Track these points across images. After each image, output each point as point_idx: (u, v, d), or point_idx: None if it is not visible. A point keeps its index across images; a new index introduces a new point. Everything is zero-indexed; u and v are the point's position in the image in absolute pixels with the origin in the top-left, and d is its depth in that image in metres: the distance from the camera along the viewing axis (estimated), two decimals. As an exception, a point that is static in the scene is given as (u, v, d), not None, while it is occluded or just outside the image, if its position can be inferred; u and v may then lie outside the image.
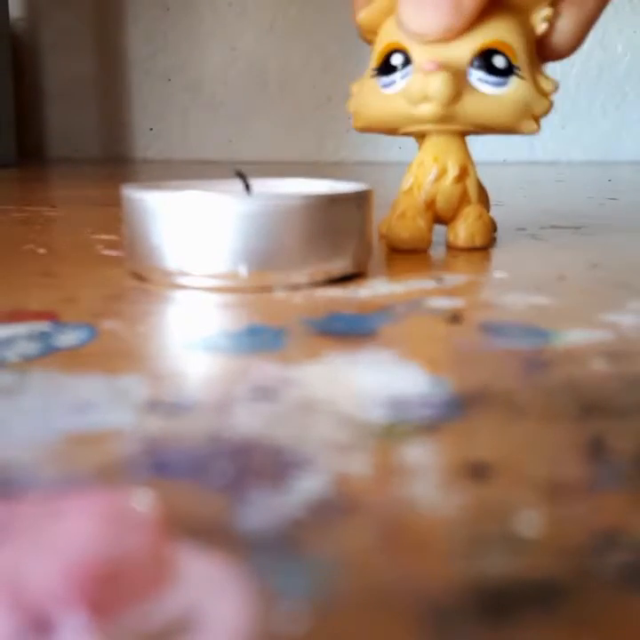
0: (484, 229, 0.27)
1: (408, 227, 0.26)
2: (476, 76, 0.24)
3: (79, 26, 1.23)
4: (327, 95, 1.19)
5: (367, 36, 0.27)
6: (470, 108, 0.25)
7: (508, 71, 0.25)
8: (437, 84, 0.24)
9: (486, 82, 0.25)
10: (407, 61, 0.25)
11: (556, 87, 0.26)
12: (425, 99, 0.24)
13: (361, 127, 0.28)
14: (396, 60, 0.25)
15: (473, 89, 0.25)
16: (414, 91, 0.24)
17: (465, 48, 0.24)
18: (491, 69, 0.24)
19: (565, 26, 0.26)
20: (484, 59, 0.24)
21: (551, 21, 0.25)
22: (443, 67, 0.24)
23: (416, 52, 0.25)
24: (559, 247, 0.29)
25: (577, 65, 1.16)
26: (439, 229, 0.28)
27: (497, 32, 0.24)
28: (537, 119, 0.26)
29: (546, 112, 0.26)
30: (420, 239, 0.26)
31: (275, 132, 1.23)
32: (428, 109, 0.24)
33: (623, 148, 1.20)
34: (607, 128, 1.20)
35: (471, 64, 0.24)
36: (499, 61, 0.24)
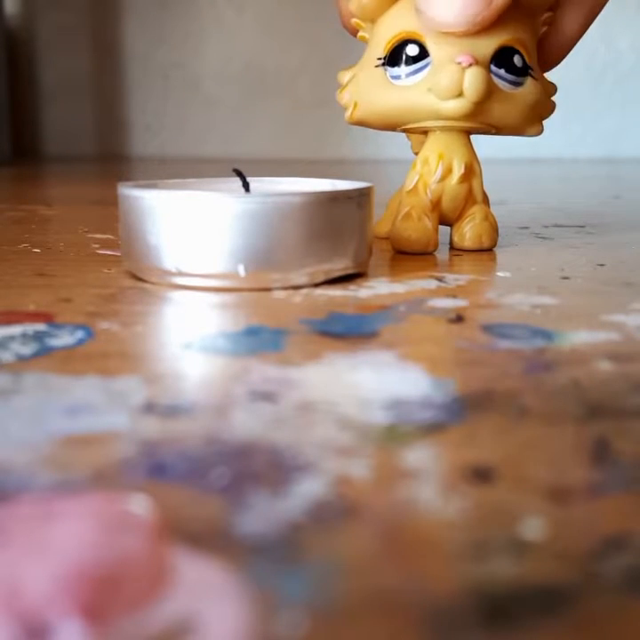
0: (491, 230, 0.27)
1: (415, 227, 0.26)
2: (499, 74, 0.24)
3: (76, 22, 1.23)
4: (326, 92, 1.19)
5: (353, 21, 0.26)
6: (493, 106, 0.24)
7: (524, 71, 0.25)
8: (474, 80, 0.23)
9: (506, 80, 0.24)
10: (423, 52, 0.24)
11: (556, 90, 0.26)
12: (457, 94, 0.23)
13: (358, 119, 0.26)
14: (412, 50, 0.24)
15: (495, 86, 0.24)
16: (446, 85, 0.23)
17: (487, 44, 0.24)
18: (510, 68, 0.24)
19: (556, 37, 0.26)
20: (504, 57, 0.24)
21: (549, 25, 0.26)
22: (479, 61, 0.23)
23: (436, 44, 0.24)
24: (563, 246, 0.29)
25: (581, 62, 1.16)
26: (441, 229, 0.28)
27: (514, 30, 0.24)
28: (542, 121, 0.26)
29: (551, 113, 0.26)
30: (427, 241, 0.26)
31: (273, 130, 1.23)
32: (459, 105, 0.24)
33: (627, 146, 1.20)
34: (611, 125, 1.20)
35: (492, 61, 0.24)
36: (517, 60, 0.24)
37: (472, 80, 0.23)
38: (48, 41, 1.25)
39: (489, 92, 0.24)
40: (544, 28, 0.26)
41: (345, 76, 0.27)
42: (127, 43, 1.25)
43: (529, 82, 0.25)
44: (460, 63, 0.23)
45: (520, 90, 0.25)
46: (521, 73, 0.24)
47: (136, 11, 1.24)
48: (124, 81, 1.26)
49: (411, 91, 0.24)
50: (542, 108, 0.26)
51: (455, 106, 0.24)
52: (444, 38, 0.24)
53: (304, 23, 1.21)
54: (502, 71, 0.24)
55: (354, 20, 0.26)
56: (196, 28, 1.23)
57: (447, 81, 0.23)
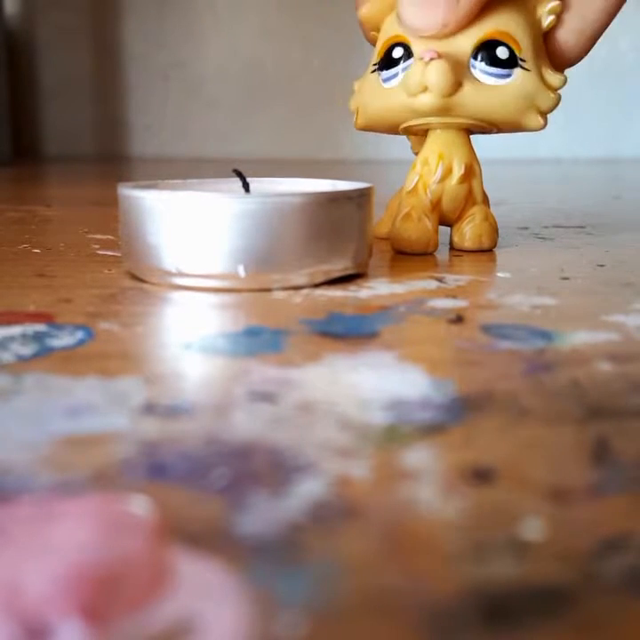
0: (491, 231, 0.27)
1: (414, 228, 0.26)
2: (479, 68, 0.24)
3: (76, 22, 1.23)
4: (327, 93, 1.19)
5: (370, 33, 0.27)
6: (470, 99, 0.24)
7: (511, 63, 0.24)
8: (434, 73, 0.23)
9: (489, 73, 0.24)
10: (408, 54, 0.25)
11: (564, 82, 0.26)
12: (423, 89, 0.24)
13: (362, 125, 0.27)
14: (397, 52, 0.25)
15: (474, 80, 0.24)
16: (412, 81, 0.24)
17: (467, 39, 0.24)
18: (493, 61, 0.24)
19: (570, 28, 0.25)
20: (487, 50, 0.24)
21: (559, 15, 0.25)
22: (442, 55, 0.23)
23: (418, 45, 0.24)
24: (563, 247, 0.29)
25: (581, 61, 1.16)
26: (441, 230, 0.28)
27: (500, 23, 0.24)
28: (543, 114, 0.26)
29: (552, 107, 0.26)
30: (427, 241, 0.26)
31: (274, 130, 1.23)
32: (426, 100, 0.24)
33: (627, 146, 1.20)
34: (611, 125, 1.20)
35: (473, 55, 0.24)
36: (501, 52, 0.24)
37: (433, 73, 0.23)
38: (48, 41, 1.25)
39: (456, 85, 0.24)
40: (550, 19, 0.25)
41: (356, 84, 0.28)
42: (127, 43, 1.25)
43: (519, 73, 0.24)
44: (422, 58, 0.23)
45: (508, 82, 0.24)
46: (507, 65, 0.24)
47: (136, 11, 1.24)
48: (124, 81, 1.26)
49: (395, 91, 0.25)
50: (539, 100, 0.25)
51: (424, 101, 0.24)
52: (425, 40, 0.24)
53: (304, 23, 1.21)
54: (482, 64, 0.24)
55: (371, 33, 0.27)
56: (196, 29, 1.23)
57: (412, 77, 0.24)
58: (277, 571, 0.08)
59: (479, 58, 0.24)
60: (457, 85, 0.24)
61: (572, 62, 0.26)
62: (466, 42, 0.24)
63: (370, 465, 0.10)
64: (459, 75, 0.24)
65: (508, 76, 0.24)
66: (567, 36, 0.26)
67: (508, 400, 0.12)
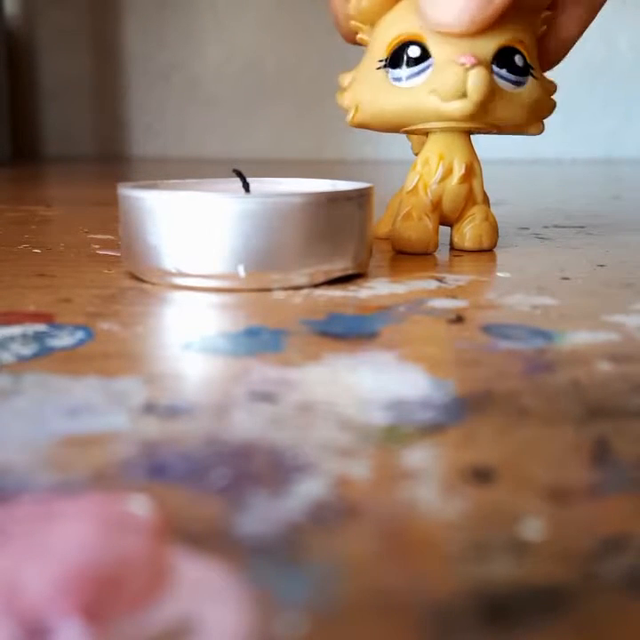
0: (491, 231, 0.27)
1: (415, 228, 0.26)
2: (501, 75, 0.24)
3: (75, 23, 1.24)
4: (327, 93, 1.19)
5: (351, 24, 0.26)
6: (493, 105, 0.24)
7: (525, 71, 0.25)
8: (478, 81, 0.23)
9: (508, 80, 0.24)
10: (425, 54, 0.24)
11: (556, 89, 0.26)
12: (461, 95, 0.23)
13: (360, 122, 0.26)
14: (414, 52, 0.24)
15: (496, 86, 0.24)
16: (449, 86, 0.23)
17: (488, 44, 0.24)
18: (512, 68, 0.24)
19: (554, 37, 0.26)
20: (505, 57, 0.24)
21: (548, 24, 0.26)
22: (481, 62, 0.23)
23: (438, 46, 0.24)
24: (563, 247, 0.29)
25: (580, 61, 1.16)
26: (441, 230, 0.28)
27: (515, 31, 0.24)
28: (543, 119, 0.26)
29: (551, 112, 0.26)
30: (427, 241, 0.26)
31: (274, 130, 1.23)
32: (462, 106, 0.23)
33: (627, 146, 1.20)
34: (611, 125, 1.20)
35: (493, 61, 0.24)
36: (519, 60, 0.24)
37: (475, 81, 0.23)
38: (48, 41, 1.25)
39: (492, 93, 0.24)
40: (543, 27, 0.26)
41: (345, 79, 0.27)
42: (127, 43, 1.25)
43: (530, 81, 0.25)
44: (463, 64, 0.23)
45: (522, 89, 0.25)
46: (522, 72, 0.25)
47: (136, 11, 1.24)
48: (124, 81, 1.26)
49: (413, 92, 0.24)
50: (544, 106, 0.26)
51: (458, 107, 0.24)
52: (446, 39, 0.24)
53: (304, 23, 1.21)
54: (504, 71, 0.24)
55: (352, 23, 0.26)
56: (196, 29, 1.23)
57: (451, 82, 0.23)
58: (277, 571, 0.08)
59: (500, 64, 0.24)
60: (492, 93, 0.24)
61: (552, 67, 0.27)
62: (487, 47, 0.24)
63: (370, 465, 0.10)
64: (493, 82, 0.24)
65: (522, 83, 0.25)
66: (552, 44, 0.26)
67: (508, 400, 0.12)
